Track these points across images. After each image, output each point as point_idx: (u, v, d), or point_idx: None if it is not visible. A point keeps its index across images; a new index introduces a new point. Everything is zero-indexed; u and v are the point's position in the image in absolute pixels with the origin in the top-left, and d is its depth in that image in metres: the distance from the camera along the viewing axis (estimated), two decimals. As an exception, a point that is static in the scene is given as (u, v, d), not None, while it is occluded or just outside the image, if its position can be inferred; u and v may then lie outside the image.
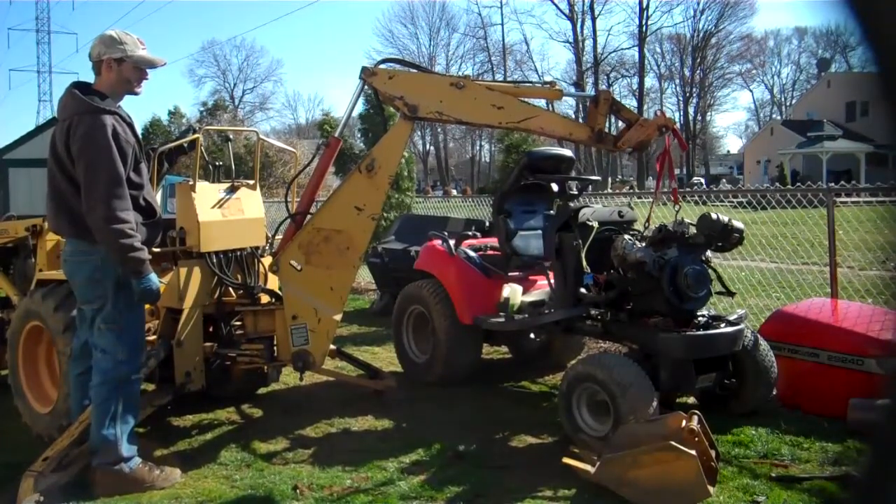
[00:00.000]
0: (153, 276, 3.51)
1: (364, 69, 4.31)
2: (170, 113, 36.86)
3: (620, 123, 4.48)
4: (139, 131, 3.84)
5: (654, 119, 4.29)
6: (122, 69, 3.52)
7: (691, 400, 4.63)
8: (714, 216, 4.20)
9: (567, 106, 41.19)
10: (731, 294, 4.58)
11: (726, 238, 4.22)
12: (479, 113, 4.30)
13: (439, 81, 4.46)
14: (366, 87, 4.36)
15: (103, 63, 3.51)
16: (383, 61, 4.53)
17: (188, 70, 67.55)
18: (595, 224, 4.50)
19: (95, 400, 3.49)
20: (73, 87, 3.52)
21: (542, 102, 4.60)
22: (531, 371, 5.76)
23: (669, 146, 4.30)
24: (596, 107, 4.29)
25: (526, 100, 4.41)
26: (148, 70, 3.64)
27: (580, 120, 5.45)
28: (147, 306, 4.36)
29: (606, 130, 4.35)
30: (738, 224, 4.22)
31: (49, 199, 3.58)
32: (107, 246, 3.39)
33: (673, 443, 3.20)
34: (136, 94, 3.65)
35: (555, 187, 5.05)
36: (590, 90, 46.75)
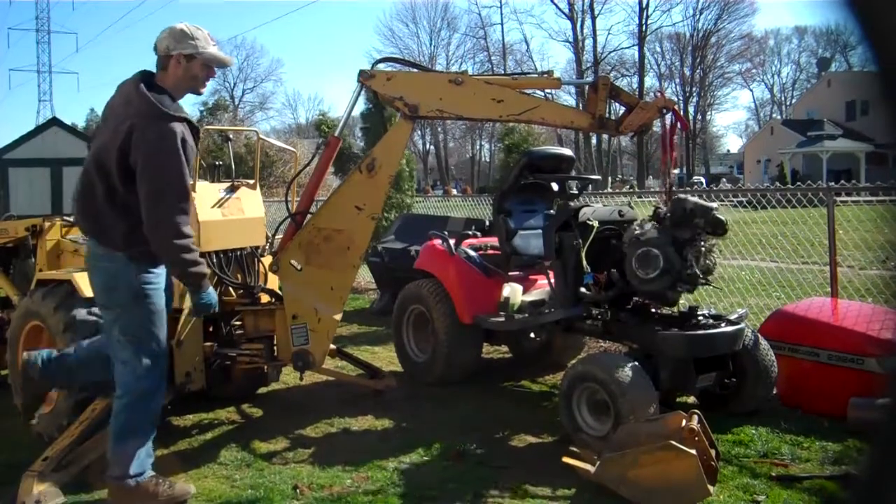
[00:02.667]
0: (212, 291, 3.42)
1: (361, 72, 4.31)
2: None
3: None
4: None
5: (655, 101, 4.29)
6: (191, 66, 3.30)
7: (691, 400, 4.63)
8: (686, 199, 4.17)
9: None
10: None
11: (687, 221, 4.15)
12: (480, 107, 4.30)
13: (438, 79, 4.46)
14: (364, 89, 4.36)
15: (172, 58, 3.29)
16: (380, 61, 4.53)
17: (188, 70, 67.26)
18: (595, 223, 4.50)
19: (114, 411, 3.39)
20: (139, 80, 3.26)
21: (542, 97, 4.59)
22: (531, 371, 5.76)
23: (674, 127, 4.30)
24: (595, 93, 4.28)
25: (526, 92, 4.41)
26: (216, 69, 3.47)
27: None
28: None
29: (607, 116, 4.35)
30: (708, 205, 4.13)
31: (78, 196, 3.39)
32: (168, 260, 3.27)
33: (673, 442, 3.20)
34: (199, 93, 3.50)
35: (555, 186, 5.05)
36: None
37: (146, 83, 3.25)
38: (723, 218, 4.11)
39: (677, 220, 4.11)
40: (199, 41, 3.30)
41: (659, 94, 4.41)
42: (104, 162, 3.22)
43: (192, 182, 3.48)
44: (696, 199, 4.21)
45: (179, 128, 3.19)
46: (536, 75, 4.60)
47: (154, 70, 3.36)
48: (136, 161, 3.14)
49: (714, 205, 4.20)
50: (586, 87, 4.51)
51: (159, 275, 3.39)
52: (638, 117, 4.23)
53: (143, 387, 3.34)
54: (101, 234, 3.31)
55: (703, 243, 4.12)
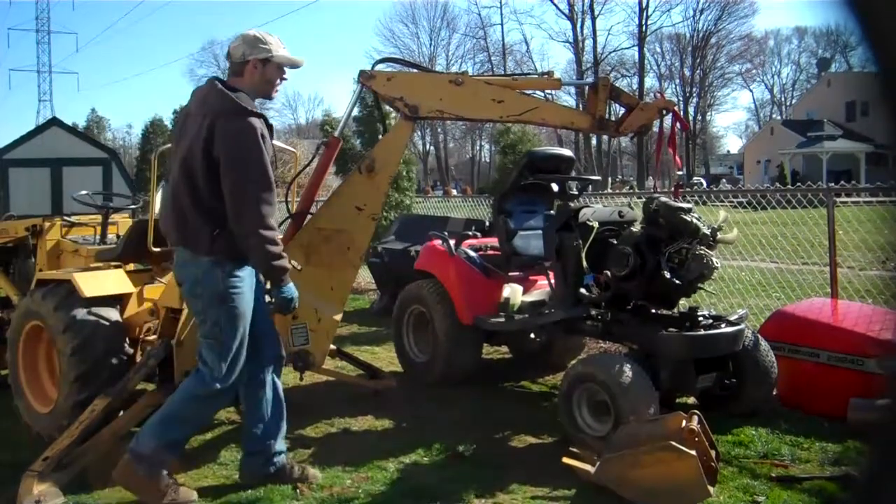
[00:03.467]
0: (292, 286, 3.40)
1: (362, 73, 4.31)
2: (174, 113, 36.95)
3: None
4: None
5: (655, 102, 4.30)
6: (266, 70, 3.40)
7: (691, 400, 4.63)
8: (657, 198, 4.16)
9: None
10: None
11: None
12: (480, 108, 4.30)
13: (438, 79, 4.46)
14: (365, 89, 4.36)
15: (249, 64, 3.36)
16: (380, 61, 4.53)
17: (188, 70, 67.44)
18: (595, 224, 4.50)
19: (178, 394, 3.43)
20: (214, 81, 3.38)
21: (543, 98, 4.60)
22: (531, 371, 5.76)
23: (674, 127, 4.29)
24: (596, 94, 4.27)
25: (527, 93, 4.41)
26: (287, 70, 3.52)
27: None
28: (147, 305, 4.37)
29: (607, 117, 4.34)
30: (675, 205, 4.10)
31: (165, 209, 3.43)
32: (252, 252, 3.26)
33: (673, 443, 3.20)
34: (271, 97, 3.57)
35: (555, 187, 5.05)
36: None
37: (224, 86, 3.33)
38: (691, 220, 4.01)
39: (647, 221, 4.12)
40: (271, 45, 3.39)
41: (659, 96, 4.43)
42: (190, 164, 3.26)
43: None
44: (665, 199, 4.19)
45: (258, 123, 3.26)
46: (537, 76, 4.60)
47: (223, 78, 3.45)
48: (218, 156, 3.20)
49: (686, 205, 4.14)
50: (586, 88, 4.51)
51: (244, 278, 3.38)
52: (638, 118, 4.23)
53: (216, 388, 3.38)
54: (187, 239, 3.34)
55: (690, 248, 4.02)
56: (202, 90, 3.40)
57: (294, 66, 3.53)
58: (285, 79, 3.52)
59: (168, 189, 3.43)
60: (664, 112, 4.26)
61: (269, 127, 3.40)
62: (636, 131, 4.33)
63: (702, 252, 4.05)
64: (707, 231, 4.08)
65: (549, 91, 19.98)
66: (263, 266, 3.32)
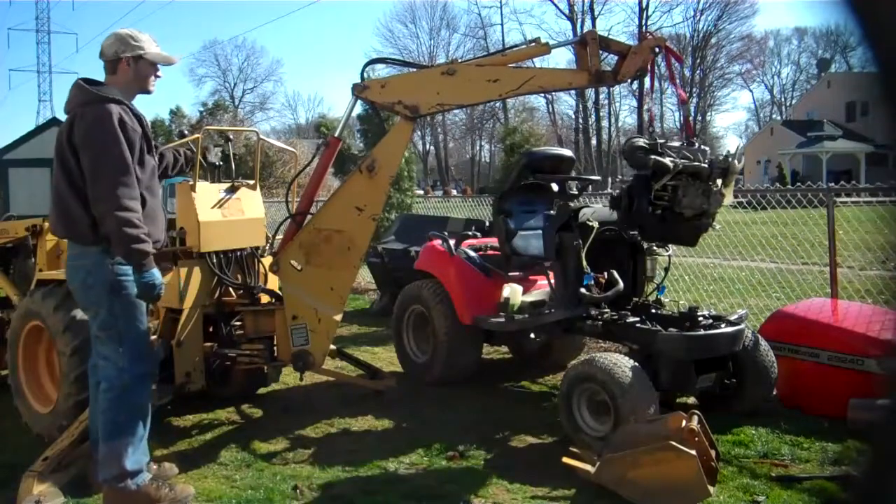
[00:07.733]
0: (156, 272, 3.33)
1: (355, 86, 4.34)
2: (171, 112, 37.05)
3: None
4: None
5: (645, 42, 4.22)
6: (138, 67, 3.44)
7: (691, 400, 4.63)
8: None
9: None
10: None
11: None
12: (478, 92, 4.28)
13: (431, 74, 4.44)
14: (360, 100, 4.39)
15: (121, 61, 3.42)
16: (368, 64, 4.59)
17: (189, 69, 67.37)
18: (595, 224, 4.50)
19: (101, 407, 3.35)
20: (79, 81, 3.42)
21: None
22: (531, 371, 5.76)
23: (669, 63, 4.27)
24: (585, 49, 4.22)
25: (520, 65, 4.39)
26: (161, 68, 3.56)
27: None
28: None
29: (602, 68, 4.30)
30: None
31: (51, 198, 3.48)
32: (111, 236, 3.23)
33: (673, 443, 3.21)
34: (149, 92, 3.57)
35: (555, 187, 5.05)
36: (590, 91, 46.74)
37: (89, 83, 3.40)
38: (647, 157, 4.07)
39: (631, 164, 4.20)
40: (143, 42, 3.45)
41: (648, 35, 4.33)
42: (63, 159, 3.32)
43: (136, 161, 3.37)
44: (637, 140, 4.24)
45: (116, 109, 3.29)
46: (525, 45, 4.56)
47: (92, 78, 3.48)
48: (78, 144, 3.26)
49: (645, 143, 4.20)
50: (576, 47, 4.43)
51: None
52: (633, 62, 4.14)
53: (126, 380, 3.32)
54: (73, 231, 3.37)
55: (680, 183, 4.07)
56: (70, 93, 3.45)
57: (166, 63, 3.57)
58: (159, 76, 3.57)
59: (52, 187, 3.46)
60: (657, 50, 4.19)
61: (137, 116, 3.41)
62: (634, 76, 4.26)
63: (695, 185, 4.09)
64: (705, 165, 4.17)
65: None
66: (122, 249, 3.23)
